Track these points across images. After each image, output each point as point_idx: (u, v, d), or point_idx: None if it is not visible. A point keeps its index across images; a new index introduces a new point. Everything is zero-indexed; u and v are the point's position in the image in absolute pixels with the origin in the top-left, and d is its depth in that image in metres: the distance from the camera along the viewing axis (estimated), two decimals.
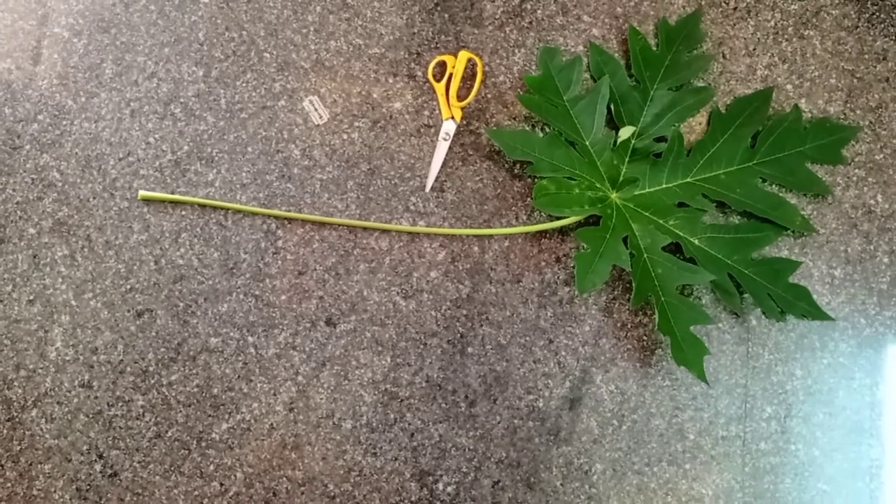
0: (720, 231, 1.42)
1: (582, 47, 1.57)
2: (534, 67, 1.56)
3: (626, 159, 1.45)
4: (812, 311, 1.42)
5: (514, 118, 1.55)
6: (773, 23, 1.60)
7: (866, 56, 1.58)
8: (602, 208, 1.44)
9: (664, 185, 1.45)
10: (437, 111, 1.54)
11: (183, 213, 1.50)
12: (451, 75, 1.51)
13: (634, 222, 1.43)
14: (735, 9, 1.60)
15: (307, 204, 1.51)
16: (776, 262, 1.41)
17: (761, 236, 1.42)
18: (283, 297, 1.48)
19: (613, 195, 1.45)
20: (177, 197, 1.47)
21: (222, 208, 1.48)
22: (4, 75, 1.54)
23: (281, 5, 1.58)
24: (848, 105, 1.56)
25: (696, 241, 1.42)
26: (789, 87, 1.55)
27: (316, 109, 1.54)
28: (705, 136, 1.45)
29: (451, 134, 1.50)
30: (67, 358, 1.46)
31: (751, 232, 1.43)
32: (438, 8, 1.59)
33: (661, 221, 1.43)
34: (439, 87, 1.51)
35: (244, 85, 1.55)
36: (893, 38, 1.59)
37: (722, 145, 1.43)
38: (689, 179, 1.44)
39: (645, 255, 1.41)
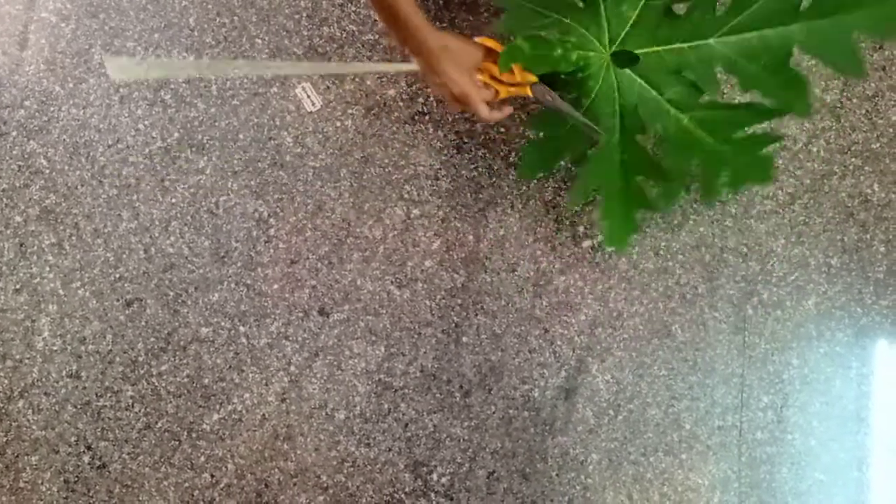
0: (717, 108, 1.25)
1: None
2: None
3: (638, 8, 1.23)
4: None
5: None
6: None
7: (862, 45, 1.57)
8: (587, 75, 1.23)
9: (677, 45, 1.22)
10: (430, 98, 1.52)
11: (173, 200, 1.48)
12: None
13: (622, 92, 1.23)
14: None
15: (300, 192, 1.49)
16: (755, 137, 1.30)
17: (755, 115, 1.28)
18: (276, 287, 1.46)
19: (606, 56, 1.24)
20: (154, 70, 1.40)
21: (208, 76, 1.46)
22: None
23: None
24: (844, 94, 1.55)
25: (686, 120, 1.23)
26: None
27: (309, 96, 1.52)
28: None
29: None
30: (55, 348, 1.43)
31: (747, 112, 1.28)
32: None
33: (654, 92, 1.23)
34: None
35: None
36: None
37: (766, 2, 1.19)
38: (711, 41, 1.21)
39: (615, 137, 1.23)
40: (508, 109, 1.27)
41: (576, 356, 1.46)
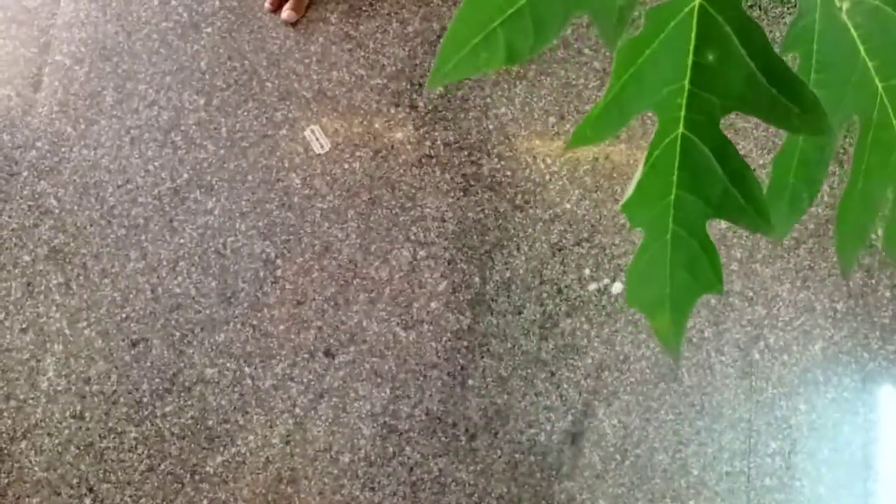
0: None
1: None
2: (534, 99, 1.57)
3: None
4: None
5: (515, 150, 1.55)
6: None
7: None
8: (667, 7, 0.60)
9: None
10: (438, 141, 1.54)
11: (181, 241, 1.49)
12: None
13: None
14: None
15: (307, 233, 1.50)
16: None
17: None
18: (282, 328, 1.46)
19: None
20: None
21: None
22: (4, 102, 1.53)
23: (283, 35, 1.59)
24: (847, 140, 1.57)
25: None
26: None
27: (317, 139, 1.54)
28: None
29: None
30: (59, 388, 1.43)
31: None
32: (440, 39, 1.60)
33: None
34: None
35: (245, 114, 1.55)
36: None
37: None
38: None
39: (683, 113, 0.63)
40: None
41: (582, 400, 1.45)
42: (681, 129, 0.65)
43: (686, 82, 0.60)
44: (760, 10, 1.61)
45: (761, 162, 1.55)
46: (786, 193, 0.73)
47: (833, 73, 0.67)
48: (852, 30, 0.66)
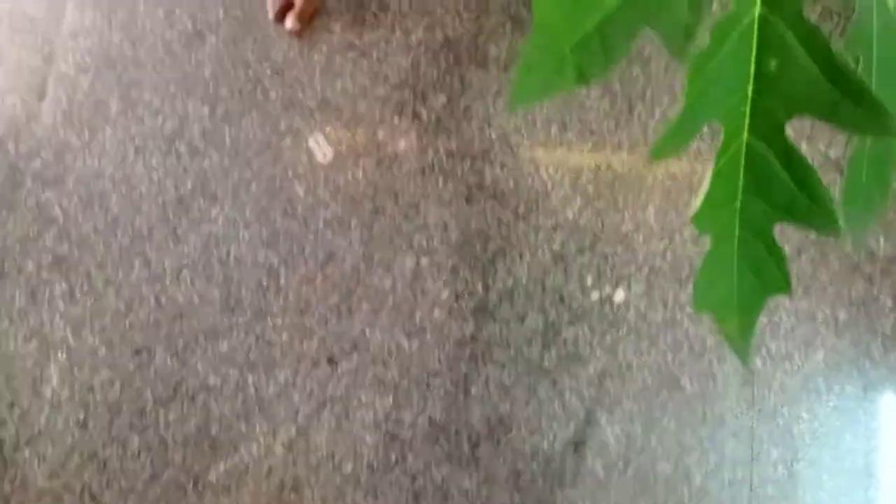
0: None
1: None
2: (536, 109, 1.58)
3: None
4: None
5: (517, 159, 1.56)
6: None
7: None
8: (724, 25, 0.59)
9: None
10: (441, 151, 1.55)
11: (185, 249, 1.49)
12: None
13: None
14: None
15: (310, 242, 1.50)
16: None
17: None
18: (285, 336, 1.46)
19: None
20: None
21: None
22: (9, 111, 1.54)
23: (287, 45, 1.60)
24: (849, 148, 1.57)
25: None
26: None
27: (321, 148, 1.55)
28: None
29: None
30: (63, 396, 1.43)
31: None
32: (444, 49, 1.61)
33: None
34: None
35: (249, 123, 1.56)
36: None
37: None
38: None
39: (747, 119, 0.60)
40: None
41: (585, 408, 1.45)
42: (745, 136, 0.65)
43: (749, 90, 0.61)
44: None
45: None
46: (860, 195, 0.74)
47: (894, 72, 0.68)
48: None
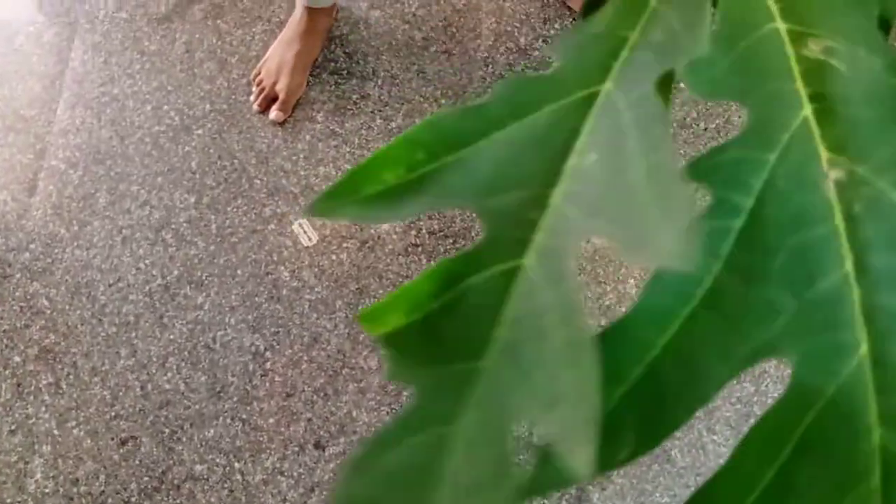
0: None
1: None
2: None
3: None
4: None
5: None
6: None
7: None
8: None
9: None
10: (423, 230, 1.58)
11: (171, 336, 1.50)
12: None
13: None
14: None
15: (296, 325, 1.51)
16: None
17: None
18: (271, 420, 1.46)
19: None
20: None
21: None
22: (0, 208, 1.57)
23: (272, 134, 1.65)
24: None
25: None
26: None
27: (305, 232, 1.58)
28: None
29: None
30: (47, 490, 1.41)
31: None
32: None
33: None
34: None
35: (235, 210, 1.59)
36: None
37: None
38: None
39: None
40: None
41: (576, 486, 1.43)
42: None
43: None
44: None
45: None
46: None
47: None
48: None
